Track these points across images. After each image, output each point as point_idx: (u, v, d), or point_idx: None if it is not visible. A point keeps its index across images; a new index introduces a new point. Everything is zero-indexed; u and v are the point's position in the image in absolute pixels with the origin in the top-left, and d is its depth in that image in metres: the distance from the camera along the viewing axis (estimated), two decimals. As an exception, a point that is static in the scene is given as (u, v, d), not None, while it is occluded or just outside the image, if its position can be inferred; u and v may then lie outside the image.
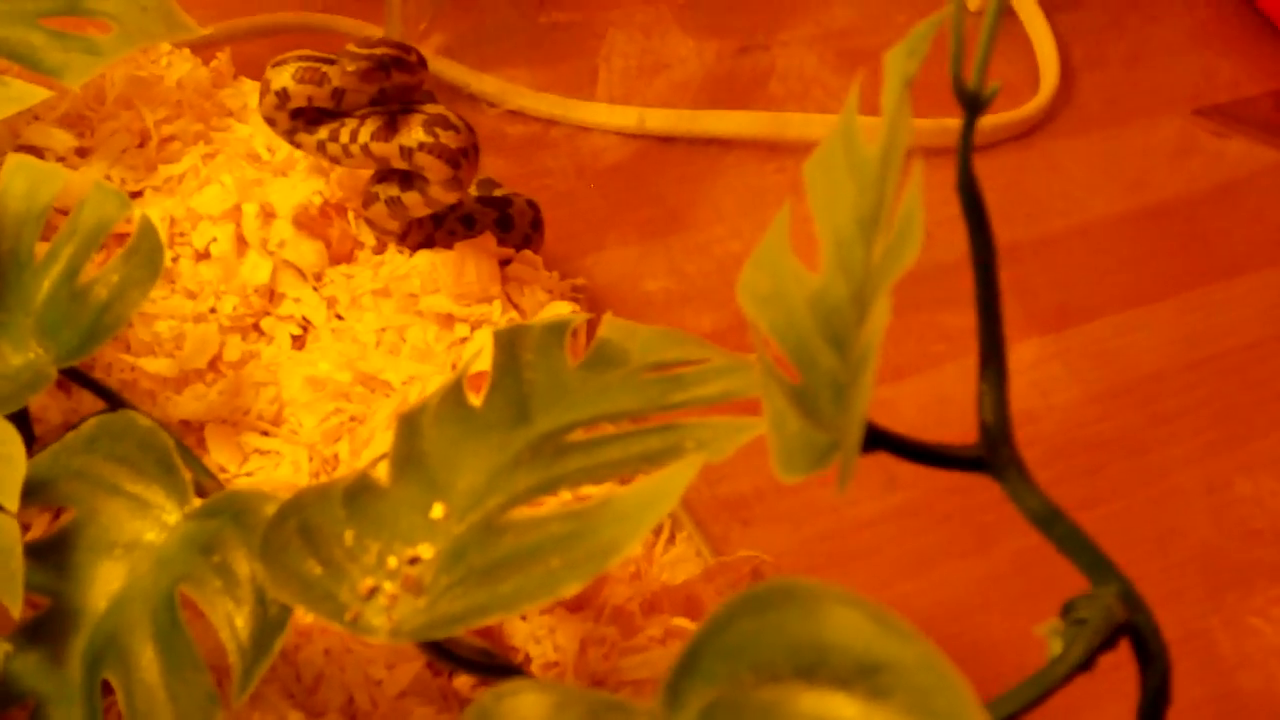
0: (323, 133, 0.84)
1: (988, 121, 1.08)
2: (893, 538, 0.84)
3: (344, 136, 0.83)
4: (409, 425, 0.63)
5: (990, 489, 0.54)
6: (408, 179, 0.83)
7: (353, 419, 0.79)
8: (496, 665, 0.62)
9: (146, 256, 0.72)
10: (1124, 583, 0.52)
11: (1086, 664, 0.50)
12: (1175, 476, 0.89)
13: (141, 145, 0.90)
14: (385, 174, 0.84)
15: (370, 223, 0.86)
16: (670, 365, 0.64)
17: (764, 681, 0.44)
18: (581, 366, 0.65)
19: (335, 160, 0.84)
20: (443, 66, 1.07)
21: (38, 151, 0.88)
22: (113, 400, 0.74)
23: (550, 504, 0.61)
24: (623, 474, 0.58)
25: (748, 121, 1.07)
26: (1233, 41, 1.20)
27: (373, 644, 0.69)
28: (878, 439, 0.53)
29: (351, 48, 0.81)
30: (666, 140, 1.07)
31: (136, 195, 0.87)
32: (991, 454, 0.53)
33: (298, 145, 0.85)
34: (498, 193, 0.90)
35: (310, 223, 0.86)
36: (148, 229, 0.73)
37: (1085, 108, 1.15)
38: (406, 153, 0.81)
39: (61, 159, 0.88)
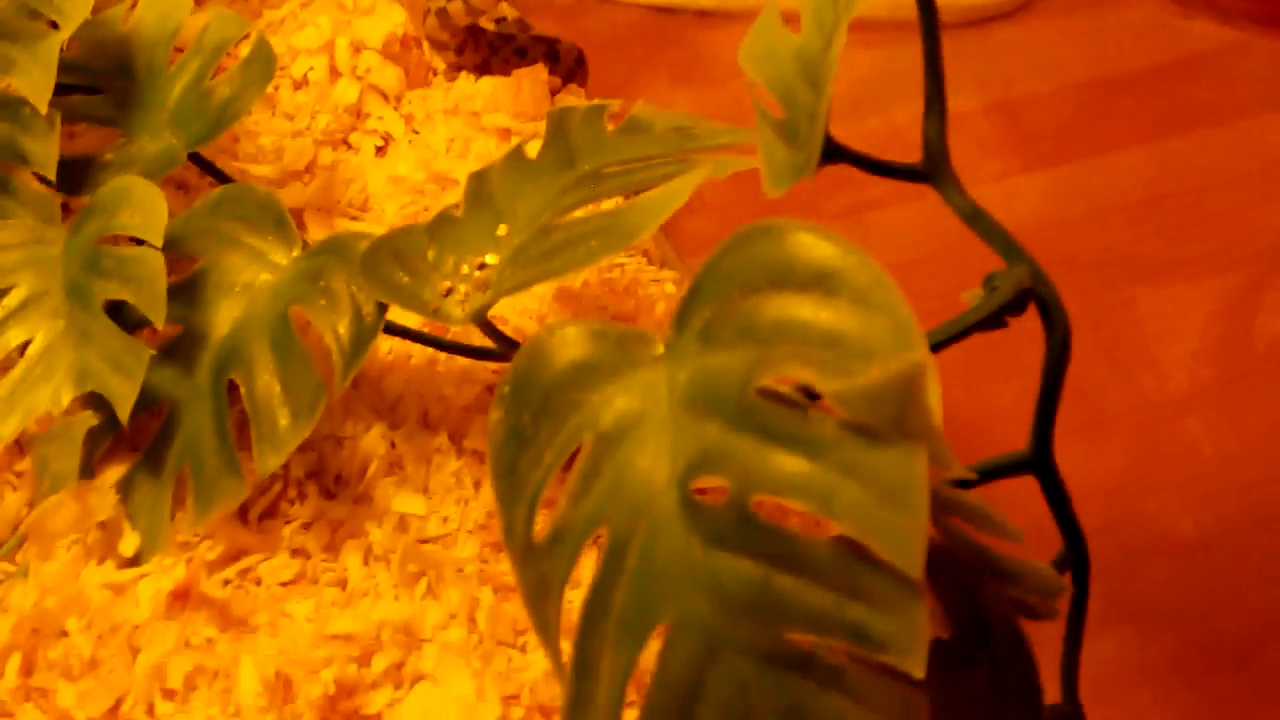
0: None
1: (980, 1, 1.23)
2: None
3: None
4: (478, 177, 0.78)
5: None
6: None
7: (426, 208, 0.93)
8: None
9: (261, 64, 0.86)
10: (1032, 263, 0.66)
11: (997, 317, 0.65)
12: (1123, 289, 1.03)
13: (247, -1, 1.06)
14: None
15: (431, 41, 1.01)
16: (686, 128, 0.79)
17: (746, 295, 0.58)
18: (617, 131, 0.79)
19: None
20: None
21: None
22: (229, 182, 0.89)
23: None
24: (647, 188, 0.73)
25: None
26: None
27: (442, 371, 0.84)
28: (841, 154, 0.67)
29: None
30: (685, 10, 1.19)
31: (244, 37, 1.02)
32: (932, 167, 0.68)
33: None
34: (545, 34, 1.05)
35: (392, 54, 1.00)
36: (262, 42, 0.87)
37: None
38: None
39: None
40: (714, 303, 0.60)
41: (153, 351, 0.76)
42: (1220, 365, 0.99)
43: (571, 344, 0.63)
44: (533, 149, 0.80)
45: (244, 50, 0.89)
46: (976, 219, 0.67)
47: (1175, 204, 1.10)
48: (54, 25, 0.86)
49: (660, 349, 0.62)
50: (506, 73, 1.00)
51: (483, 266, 0.72)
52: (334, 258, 0.77)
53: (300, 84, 0.99)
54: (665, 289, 0.91)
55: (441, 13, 0.99)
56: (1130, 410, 0.96)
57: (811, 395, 0.56)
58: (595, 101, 0.82)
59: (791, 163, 0.66)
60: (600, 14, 1.18)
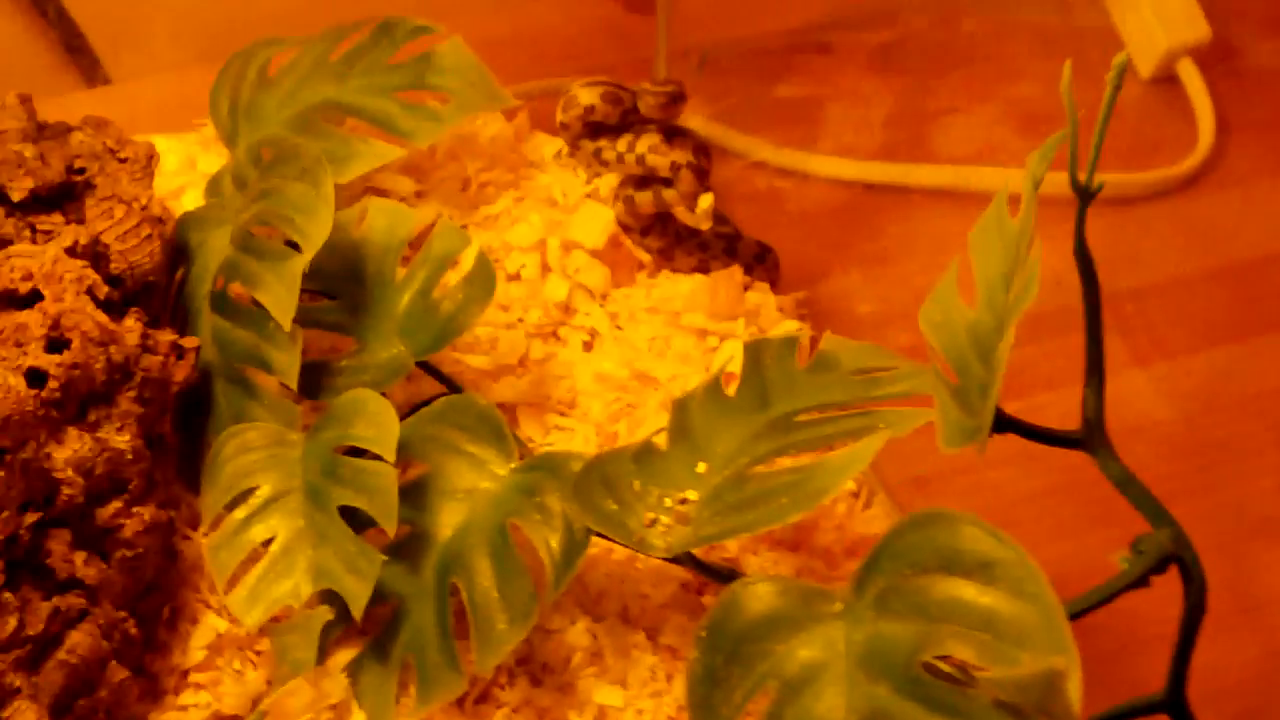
0: (603, 142, 1.13)
1: (1152, 176, 1.31)
2: (1038, 512, 1.07)
3: (621, 146, 1.11)
4: (681, 408, 0.89)
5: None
6: (644, 182, 1.11)
7: (629, 406, 1.04)
8: (737, 578, 0.87)
9: (482, 280, 0.97)
10: (1176, 527, 0.75)
11: (1142, 580, 0.75)
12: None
13: (464, 190, 1.16)
14: (627, 179, 1.12)
15: (620, 224, 1.14)
16: (870, 370, 0.89)
17: (917, 573, 0.69)
18: (807, 370, 0.90)
19: (605, 165, 1.13)
20: (705, 126, 1.31)
21: (385, 193, 1.13)
22: (451, 387, 0.99)
23: (782, 463, 0.86)
24: (833, 444, 0.83)
25: (940, 174, 1.31)
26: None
27: (641, 569, 0.94)
28: (1009, 424, 0.78)
29: (647, 85, 1.10)
30: (875, 187, 1.31)
31: (462, 228, 1.12)
32: (1088, 436, 0.78)
33: (575, 149, 1.16)
34: (729, 230, 1.16)
35: (600, 253, 1.11)
36: (484, 260, 0.98)
37: (1238, 163, 1.34)
38: (675, 166, 1.08)
39: (404, 199, 1.13)
40: (888, 575, 0.71)
41: (385, 557, 0.87)
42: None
43: (762, 598, 0.74)
44: (734, 363, 0.91)
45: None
46: (1127, 485, 0.77)
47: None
48: (290, 244, 0.96)
49: (839, 606, 0.73)
50: (690, 261, 1.13)
51: (684, 502, 0.83)
52: (549, 475, 0.88)
53: (513, 277, 1.09)
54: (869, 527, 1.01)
55: (628, 200, 1.11)
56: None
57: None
58: (786, 335, 0.92)
59: (963, 425, 0.77)
60: (795, 193, 1.29)
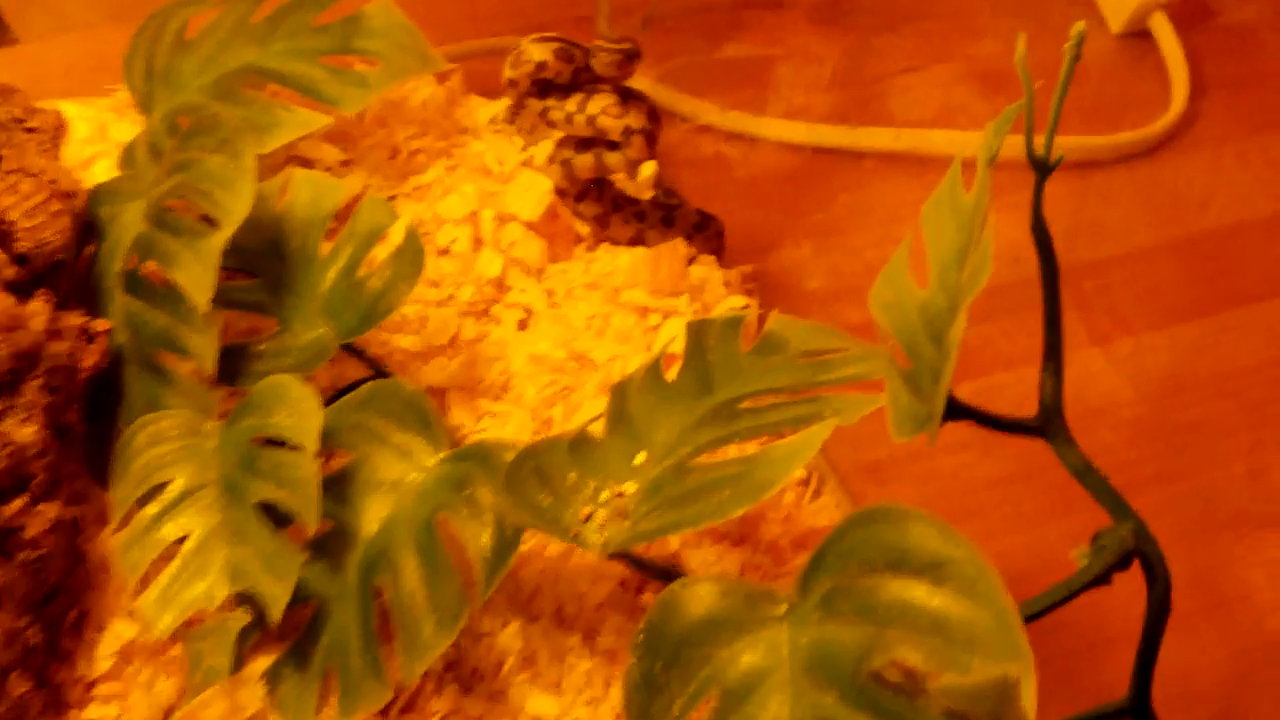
0: (551, 101, 1.09)
1: (1119, 139, 1.28)
2: (996, 500, 1.04)
3: (570, 106, 1.07)
4: (619, 393, 0.86)
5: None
6: (586, 144, 1.08)
7: (566, 389, 1.01)
8: (678, 576, 0.85)
9: (411, 257, 0.94)
10: (1137, 521, 0.73)
11: (1103, 578, 0.72)
12: (1251, 458, 1.10)
13: (393, 158, 1.13)
14: (567, 140, 1.09)
15: (555, 188, 1.11)
16: (819, 353, 0.87)
17: (865, 573, 0.66)
18: (752, 352, 0.87)
19: (552, 125, 1.10)
20: (650, 89, 1.29)
21: (309, 163, 1.10)
22: (378, 370, 0.96)
23: (725, 453, 0.83)
24: (778, 432, 0.80)
25: (895, 137, 1.28)
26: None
27: (577, 565, 0.92)
28: (962, 411, 0.75)
29: (601, 42, 1.06)
30: (827, 151, 1.28)
31: (390, 200, 1.10)
32: (1046, 423, 0.75)
33: (520, 108, 1.12)
34: (672, 201, 1.13)
35: (536, 226, 1.08)
36: (413, 236, 0.95)
37: (1212, 124, 1.32)
38: (628, 131, 1.05)
39: (329, 169, 1.10)
40: (835, 575, 0.68)
41: (305, 556, 0.84)
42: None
43: (703, 600, 0.71)
44: (676, 343, 0.88)
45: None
46: (1086, 475, 0.74)
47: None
48: (208, 219, 0.93)
49: (784, 608, 0.70)
50: (626, 231, 1.10)
51: (621, 494, 0.80)
52: (479, 466, 0.86)
53: (444, 252, 1.07)
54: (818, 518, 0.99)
55: (566, 164, 1.08)
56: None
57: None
58: (731, 315, 0.90)
59: (915, 411, 0.74)
60: (743, 158, 1.26)
